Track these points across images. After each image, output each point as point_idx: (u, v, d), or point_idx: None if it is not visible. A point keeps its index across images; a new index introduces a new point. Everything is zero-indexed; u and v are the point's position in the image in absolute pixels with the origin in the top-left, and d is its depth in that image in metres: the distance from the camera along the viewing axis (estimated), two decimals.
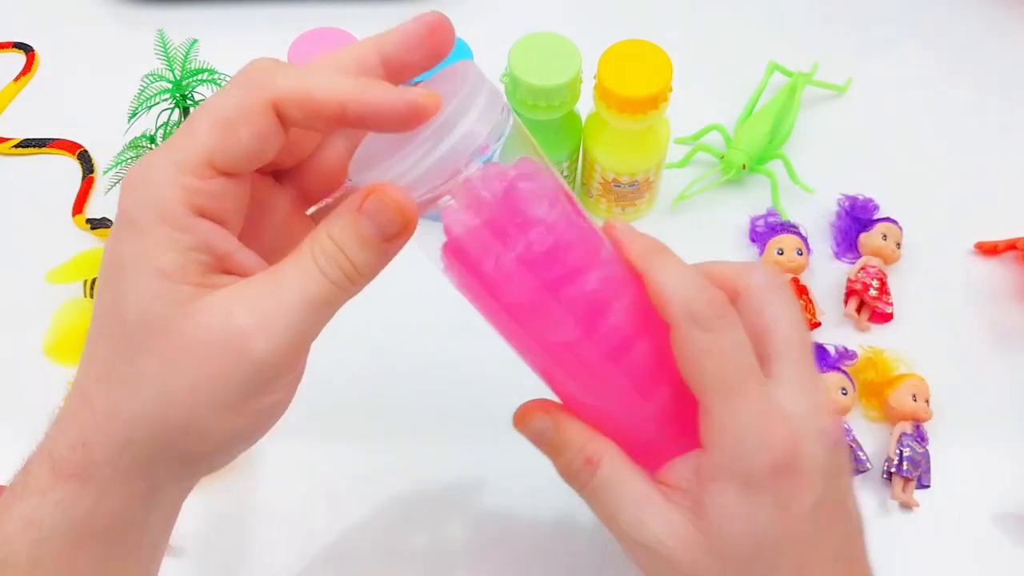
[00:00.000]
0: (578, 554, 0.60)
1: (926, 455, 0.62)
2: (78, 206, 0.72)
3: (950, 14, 0.83)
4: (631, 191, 0.69)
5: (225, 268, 0.39)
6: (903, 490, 0.61)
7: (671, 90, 0.63)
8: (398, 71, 0.41)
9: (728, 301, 0.42)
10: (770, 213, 0.71)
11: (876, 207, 0.71)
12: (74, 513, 0.38)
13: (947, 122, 0.77)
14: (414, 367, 0.65)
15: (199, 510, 0.60)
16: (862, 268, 0.68)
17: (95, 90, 0.77)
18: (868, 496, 0.61)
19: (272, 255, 0.40)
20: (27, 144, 0.75)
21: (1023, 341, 0.67)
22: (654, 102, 0.63)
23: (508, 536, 0.61)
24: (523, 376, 0.46)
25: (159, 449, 0.38)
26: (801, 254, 0.68)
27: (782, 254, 0.68)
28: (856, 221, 0.70)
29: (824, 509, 0.41)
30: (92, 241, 0.70)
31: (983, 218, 0.72)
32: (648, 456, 0.44)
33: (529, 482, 0.63)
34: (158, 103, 0.63)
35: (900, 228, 0.69)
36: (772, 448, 0.40)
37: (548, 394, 0.47)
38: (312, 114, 0.38)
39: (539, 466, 0.64)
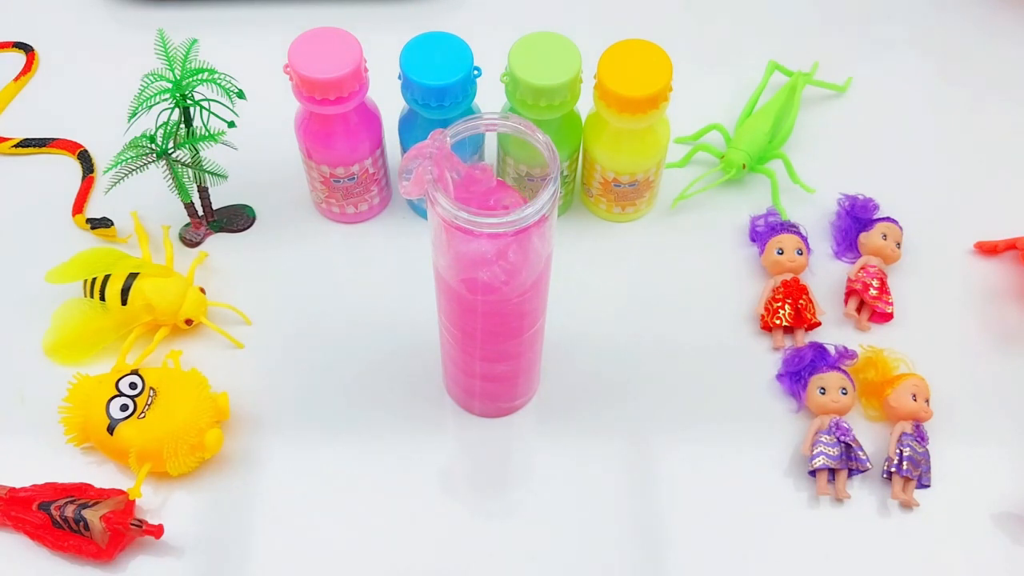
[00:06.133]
0: (589, 551, 0.60)
1: (926, 455, 0.62)
2: (78, 206, 0.72)
3: (950, 14, 0.83)
4: (631, 191, 0.69)
5: None
6: (903, 490, 0.61)
7: (671, 90, 0.63)
8: None
9: None
10: (770, 213, 0.71)
11: (876, 207, 0.71)
12: None
13: (947, 122, 0.77)
14: (414, 367, 0.66)
15: (199, 510, 0.60)
16: (862, 268, 0.68)
17: (95, 90, 0.77)
18: (868, 496, 0.62)
19: None
20: (27, 144, 0.75)
21: (1023, 341, 0.67)
22: (654, 102, 0.63)
23: (511, 532, 0.61)
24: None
25: None
26: (801, 254, 0.68)
27: (782, 254, 0.68)
28: (856, 221, 0.70)
29: None
30: (92, 241, 0.70)
31: (983, 218, 0.72)
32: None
33: (532, 481, 0.63)
34: (158, 103, 0.63)
35: (900, 228, 0.69)
36: None
37: None
38: None
39: (542, 465, 0.64)
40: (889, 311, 0.67)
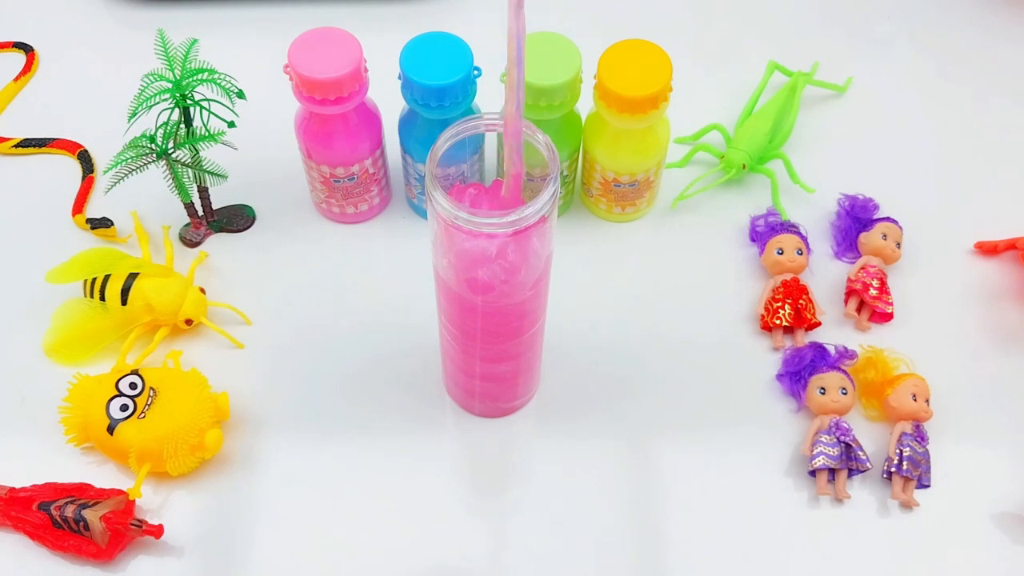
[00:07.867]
0: (589, 551, 0.60)
1: (926, 455, 0.62)
2: (78, 206, 0.72)
3: (950, 14, 0.83)
4: (631, 191, 0.69)
5: None
6: (903, 490, 0.61)
7: (671, 90, 0.63)
8: None
9: None
10: (770, 213, 0.71)
11: (876, 207, 0.71)
12: None
13: (947, 122, 0.77)
14: (414, 367, 0.66)
15: (199, 510, 0.61)
16: (862, 268, 0.68)
17: (95, 90, 0.77)
18: (868, 496, 0.62)
19: None
20: (27, 144, 0.75)
21: (1023, 341, 0.67)
22: (654, 102, 0.63)
23: (511, 532, 0.61)
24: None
25: None
26: (801, 254, 0.68)
27: (782, 254, 0.68)
28: (856, 221, 0.70)
29: None
30: (92, 241, 0.70)
31: (983, 218, 0.72)
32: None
33: (532, 481, 0.63)
34: (158, 103, 0.63)
35: (900, 228, 0.69)
36: None
37: None
38: None
39: (542, 465, 0.64)
40: (889, 311, 0.67)
